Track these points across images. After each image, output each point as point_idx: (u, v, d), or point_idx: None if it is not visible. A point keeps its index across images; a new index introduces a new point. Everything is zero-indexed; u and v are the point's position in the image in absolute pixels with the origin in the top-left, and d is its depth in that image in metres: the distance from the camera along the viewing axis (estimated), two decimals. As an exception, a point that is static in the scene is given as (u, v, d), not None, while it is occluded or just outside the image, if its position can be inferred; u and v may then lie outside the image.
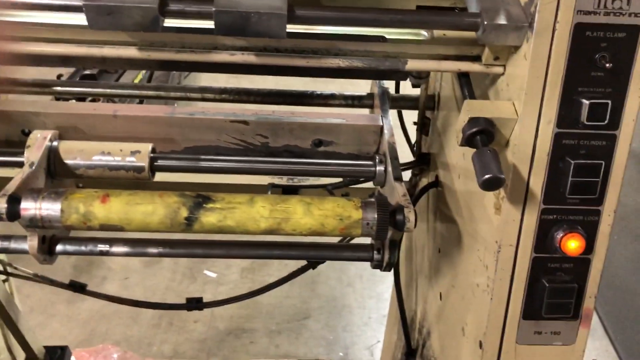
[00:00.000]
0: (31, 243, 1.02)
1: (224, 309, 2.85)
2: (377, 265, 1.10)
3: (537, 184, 0.93)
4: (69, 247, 1.08)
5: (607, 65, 0.85)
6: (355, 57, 0.94)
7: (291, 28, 0.93)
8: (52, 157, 1.10)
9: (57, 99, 3.19)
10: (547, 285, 0.97)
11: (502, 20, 0.86)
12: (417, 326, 1.55)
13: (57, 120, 1.19)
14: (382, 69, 0.95)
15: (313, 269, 1.56)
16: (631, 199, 3.81)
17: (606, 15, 0.84)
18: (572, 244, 0.93)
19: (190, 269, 3.11)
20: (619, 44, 0.85)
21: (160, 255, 1.11)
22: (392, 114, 1.51)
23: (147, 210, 0.98)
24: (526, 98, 0.88)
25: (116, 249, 1.09)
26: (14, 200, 0.96)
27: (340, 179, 1.41)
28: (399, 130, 1.56)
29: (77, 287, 1.45)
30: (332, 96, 1.37)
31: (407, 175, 1.59)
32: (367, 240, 1.10)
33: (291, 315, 2.87)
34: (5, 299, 1.54)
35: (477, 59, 0.96)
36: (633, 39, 0.85)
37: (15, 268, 1.51)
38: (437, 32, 0.97)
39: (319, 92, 1.37)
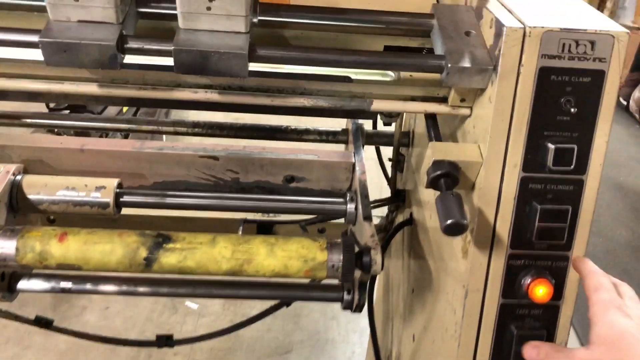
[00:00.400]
0: None
1: (204, 342, 2.79)
2: (348, 306, 1.08)
3: (504, 228, 0.91)
4: (31, 284, 1.06)
5: (573, 109, 0.84)
6: (321, 96, 0.93)
7: (256, 66, 0.92)
8: (14, 191, 1.08)
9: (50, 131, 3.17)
10: (516, 331, 0.94)
11: (466, 63, 0.85)
12: (392, 367, 1.52)
13: (22, 153, 1.17)
14: (348, 109, 0.93)
15: (287, 306, 1.54)
16: (618, 233, 3.79)
17: (571, 60, 0.83)
18: (540, 291, 0.91)
19: (171, 299, 3.06)
20: (584, 88, 0.85)
21: (122, 293, 1.08)
22: (370, 149, 1.51)
23: (105, 250, 0.95)
24: (491, 141, 0.87)
25: (79, 286, 1.07)
26: None
27: (314, 216, 1.39)
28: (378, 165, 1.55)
29: (43, 323, 1.41)
30: (307, 131, 1.36)
31: (384, 210, 1.57)
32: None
33: (273, 349, 2.81)
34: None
35: (443, 100, 0.95)
36: (598, 84, 0.84)
37: (-20, 302, 1.46)
38: (404, 73, 0.96)
39: (293, 127, 1.36)
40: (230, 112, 1.17)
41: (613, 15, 6.24)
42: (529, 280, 0.91)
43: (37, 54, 0.87)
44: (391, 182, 1.45)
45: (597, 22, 0.85)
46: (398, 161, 1.40)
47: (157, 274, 1.00)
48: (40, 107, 3.30)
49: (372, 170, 1.51)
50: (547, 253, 0.92)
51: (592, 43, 0.83)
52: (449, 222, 0.82)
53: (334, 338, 2.92)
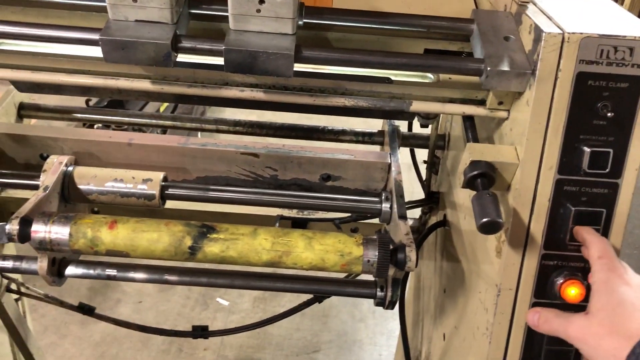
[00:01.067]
0: (41, 264, 1.05)
1: (233, 338, 2.86)
2: (380, 302, 1.10)
3: (538, 229, 0.93)
4: (78, 270, 1.11)
5: (609, 114, 0.86)
6: (361, 97, 0.97)
7: (300, 67, 0.96)
8: (66, 181, 1.14)
9: (84, 125, 3.27)
10: (547, 332, 0.96)
11: (505, 67, 0.88)
12: (421, 366, 1.54)
13: (74, 146, 1.23)
14: (387, 109, 0.97)
15: (319, 302, 1.57)
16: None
17: (609, 66, 0.85)
18: (572, 291, 0.92)
19: (203, 295, 3.12)
20: (621, 93, 0.86)
21: (165, 282, 1.12)
22: (405, 151, 1.53)
23: (153, 238, 1.00)
24: (527, 143, 0.89)
25: (123, 274, 1.12)
26: (25, 223, 0.99)
27: (348, 214, 1.43)
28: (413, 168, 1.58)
29: (86, 310, 1.47)
30: (344, 132, 1.39)
31: (418, 212, 1.59)
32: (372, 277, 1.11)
33: (300, 348, 2.85)
34: (17, 318, 1.56)
35: (481, 102, 0.97)
36: (635, 90, 0.86)
37: (28, 288, 1.54)
38: (443, 76, 0.99)
39: (330, 128, 1.39)
40: (266, 112, 1.21)
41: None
42: (561, 280, 0.93)
43: (94, 51, 0.93)
44: (425, 184, 1.47)
45: (636, 28, 0.87)
46: (433, 163, 1.42)
47: (201, 262, 1.04)
48: (77, 103, 3.41)
49: (404, 173, 1.54)
50: (580, 255, 0.93)
51: (631, 49, 0.84)
52: (484, 220, 0.84)
53: (361, 340, 2.94)
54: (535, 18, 0.89)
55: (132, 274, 1.11)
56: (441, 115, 1.35)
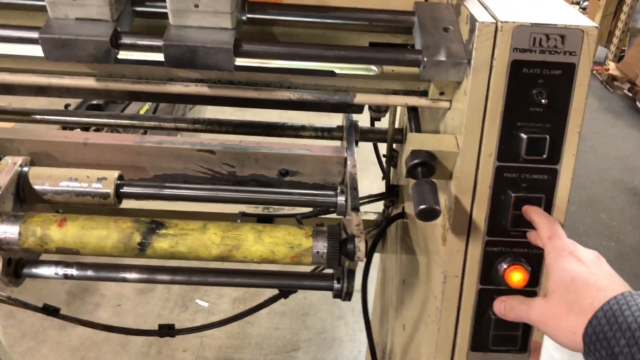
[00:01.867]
0: None
1: (212, 339, 2.86)
2: (337, 294, 1.11)
3: (480, 216, 0.94)
4: (35, 270, 1.11)
5: (544, 101, 0.88)
6: (306, 90, 0.98)
7: (244, 62, 0.97)
8: (21, 182, 1.14)
9: (65, 129, 3.27)
10: (493, 317, 0.97)
11: (442, 57, 0.89)
12: (387, 359, 1.55)
13: (30, 146, 1.23)
14: (332, 102, 0.98)
15: (285, 298, 1.58)
16: (631, 237, 3.77)
17: (542, 53, 0.87)
18: (516, 276, 0.94)
19: (182, 297, 3.12)
20: (555, 80, 0.88)
21: (122, 280, 1.12)
22: (368, 146, 1.55)
23: (102, 235, 1.00)
24: (466, 132, 0.90)
25: (81, 272, 1.12)
26: None
27: (310, 209, 1.44)
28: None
29: (50, 311, 1.47)
30: (303, 128, 1.40)
31: (381, 206, 1.61)
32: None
33: (280, 347, 2.85)
34: (-18, 322, 1.56)
35: (424, 94, 0.99)
36: (569, 76, 0.88)
37: (-9, 290, 1.54)
38: (386, 68, 1.00)
39: (290, 124, 1.40)
40: (234, 109, 1.21)
41: (630, 18, 6.20)
42: (505, 266, 0.95)
43: (38, 50, 0.93)
44: (385, 177, 1.48)
45: (568, 17, 0.88)
46: (392, 157, 1.43)
47: (151, 259, 1.05)
48: (57, 106, 3.40)
49: (373, 168, 1.56)
50: (523, 241, 0.95)
51: (562, 37, 0.86)
52: (422, 207, 0.86)
53: (341, 337, 2.95)
54: (472, 8, 0.91)
55: (90, 273, 1.12)
56: (398, 109, 1.37)
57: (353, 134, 1.31)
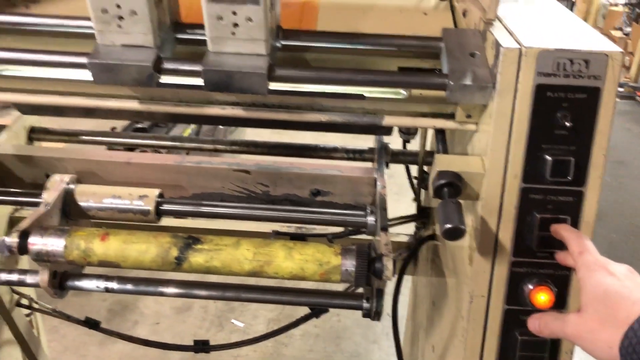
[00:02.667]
0: (42, 277, 1.11)
1: (247, 359, 2.88)
2: (366, 313, 1.13)
3: (506, 236, 0.96)
4: (78, 283, 1.17)
5: (568, 124, 0.89)
6: (336, 112, 1.02)
7: (278, 86, 1.02)
8: (67, 198, 1.21)
9: (110, 150, 3.41)
10: (519, 338, 0.98)
11: (467, 81, 0.92)
12: (417, 380, 1.55)
13: (76, 165, 1.31)
14: (361, 124, 1.02)
15: (317, 317, 1.60)
16: None
17: (566, 78, 0.89)
18: (542, 297, 0.95)
19: (218, 317, 3.17)
20: (580, 104, 0.90)
21: (160, 294, 1.16)
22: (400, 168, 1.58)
23: (141, 249, 1.06)
24: (492, 153, 0.93)
25: (121, 286, 1.17)
26: (24, 236, 1.06)
27: (341, 229, 1.47)
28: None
29: (91, 324, 1.53)
30: (335, 149, 1.44)
31: (412, 228, 1.63)
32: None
33: (314, 369, 2.86)
34: (27, 333, 1.63)
35: (451, 116, 1.01)
36: (594, 100, 0.89)
37: (37, 303, 1.61)
38: (415, 91, 1.04)
39: (322, 146, 1.44)
40: (272, 132, 1.26)
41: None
42: (531, 287, 0.96)
43: (87, 74, 1.00)
44: (416, 199, 1.50)
45: (593, 42, 0.90)
46: (422, 179, 1.45)
47: (187, 272, 1.09)
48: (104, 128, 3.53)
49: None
50: (549, 262, 0.96)
51: (587, 62, 0.88)
52: (447, 226, 0.88)
53: (374, 361, 2.94)
54: (497, 34, 0.94)
55: (129, 286, 1.17)
56: (429, 131, 1.39)
57: (384, 156, 1.34)
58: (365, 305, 1.13)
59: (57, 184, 1.21)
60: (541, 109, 0.90)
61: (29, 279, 1.17)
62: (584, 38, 0.93)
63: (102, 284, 1.17)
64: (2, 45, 1.05)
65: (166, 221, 1.26)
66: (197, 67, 0.94)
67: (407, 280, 1.54)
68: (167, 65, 0.96)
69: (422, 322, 1.52)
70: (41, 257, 1.07)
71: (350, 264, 1.03)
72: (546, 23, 1.01)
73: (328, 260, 1.04)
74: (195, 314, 3.20)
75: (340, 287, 1.25)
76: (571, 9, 8.00)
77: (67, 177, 1.22)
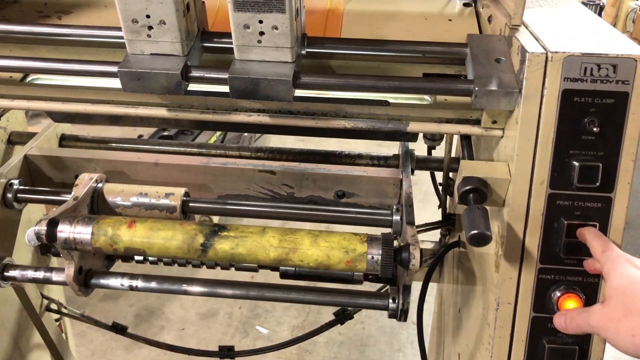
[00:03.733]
0: (68, 272, 1.13)
1: (271, 366, 2.89)
2: (393, 314, 1.11)
3: (533, 243, 0.95)
4: (103, 281, 1.18)
5: (596, 129, 0.88)
6: (360, 119, 1.02)
7: (303, 93, 1.03)
8: (95, 196, 1.22)
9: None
10: (547, 345, 0.97)
11: (493, 87, 0.92)
12: (443, 389, 1.54)
13: (105, 166, 1.33)
14: (386, 130, 1.02)
15: (341, 324, 1.60)
16: None
17: (593, 83, 0.88)
18: (570, 305, 0.93)
19: (243, 324, 3.19)
20: (608, 109, 0.89)
21: (184, 292, 1.18)
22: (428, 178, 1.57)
23: (167, 236, 1.06)
24: (518, 159, 0.92)
25: (145, 284, 1.18)
26: (52, 224, 1.07)
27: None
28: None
29: (119, 329, 1.55)
30: (359, 156, 1.44)
31: (438, 236, 1.62)
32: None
33: (338, 377, 2.86)
34: (57, 337, 1.67)
35: (477, 122, 1.01)
36: (622, 105, 0.88)
37: (66, 308, 1.64)
38: (439, 97, 1.04)
39: (347, 152, 1.45)
40: (296, 139, 1.27)
41: None
42: (559, 294, 0.94)
43: (116, 83, 1.02)
44: (442, 206, 1.50)
45: (620, 46, 0.89)
46: (448, 185, 1.45)
47: (212, 261, 1.07)
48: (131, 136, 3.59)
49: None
50: (577, 269, 0.94)
51: (614, 66, 0.87)
52: (473, 232, 0.88)
53: (399, 369, 2.92)
54: (523, 40, 0.93)
55: (153, 284, 1.18)
56: (454, 137, 1.39)
57: (409, 160, 1.34)
58: (392, 305, 1.11)
59: (86, 181, 1.21)
60: (568, 115, 0.89)
61: (54, 276, 1.18)
62: (611, 42, 0.92)
63: (127, 282, 1.18)
64: (36, 55, 1.09)
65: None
66: (223, 75, 0.95)
67: (432, 287, 1.54)
68: (195, 73, 0.97)
69: (448, 329, 1.51)
70: (69, 245, 1.08)
71: (376, 252, 1.02)
72: (572, 27, 1.00)
73: (354, 247, 1.03)
74: (221, 320, 3.22)
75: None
76: (600, 13, 7.90)
77: (95, 176, 1.23)
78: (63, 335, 1.81)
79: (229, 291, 1.15)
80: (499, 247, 0.98)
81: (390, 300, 1.11)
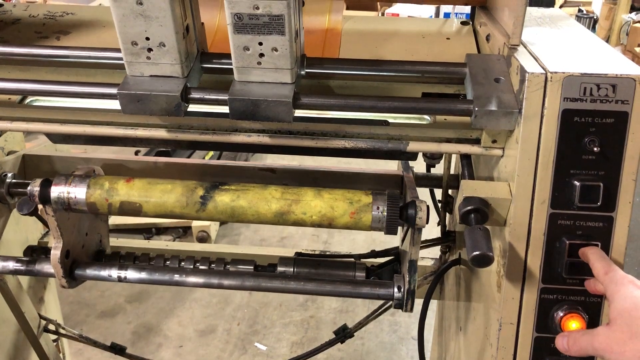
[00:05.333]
0: (54, 253, 1.08)
1: (270, 383, 2.86)
2: (399, 303, 1.08)
3: (535, 263, 0.94)
4: (89, 271, 1.15)
5: (596, 149, 0.88)
6: (360, 139, 1.02)
7: (302, 113, 1.03)
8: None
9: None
10: (550, 366, 0.96)
11: (492, 107, 0.92)
12: (444, 407, 1.53)
13: (103, 165, 1.31)
14: (385, 149, 1.02)
15: (341, 342, 1.59)
16: None
17: (593, 102, 0.88)
18: (573, 325, 0.93)
19: (242, 340, 3.16)
20: (608, 129, 0.89)
21: (175, 283, 1.14)
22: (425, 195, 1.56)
23: (166, 189, 1.03)
24: (518, 179, 0.92)
25: (134, 274, 1.14)
26: (46, 184, 1.05)
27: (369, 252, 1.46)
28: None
29: (117, 350, 1.54)
30: (357, 175, 1.44)
31: (437, 253, 1.62)
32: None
33: (338, 393, 2.83)
34: (55, 358, 1.65)
35: (477, 141, 1.01)
36: (622, 125, 0.88)
37: (64, 328, 1.62)
38: (439, 117, 1.04)
39: (345, 171, 1.44)
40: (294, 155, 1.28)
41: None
42: (562, 314, 0.94)
43: (115, 104, 1.02)
44: (441, 223, 1.49)
45: (619, 66, 0.90)
46: (447, 203, 1.45)
47: (211, 217, 1.02)
48: (127, 153, 3.59)
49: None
50: (579, 288, 0.94)
51: (614, 86, 0.87)
52: (475, 253, 0.87)
53: (399, 386, 2.90)
54: (522, 60, 0.94)
55: (143, 275, 1.14)
56: (453, 155, 1.39)
57: (408, 163, 1.33)
58: (397, 294, 1.08)
59: (84, 169, 1.16)
60: (568, 135, 0.89)
61: (38, 266, 1.15)
62: (610, 62, 0.92)
63: (115, 273, 1.14)
64: (35, 77, 1.08)
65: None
66: (223, 96, 0.95)
67: (432, 303, 1.53)
68: (195, 94, 0.97)
69: (449, 347, 1.50)
70: (62, 203, 1.04)
71: (382, 203, 1.00)
72: (571, 47, 1.01)
73: (359, 199, 1.01)
74: (219, 336, 3.19)
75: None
76: (593, 27, 7.96)
77: (93, 167, 1.18)
78: (61, 355, 1.79)
79: (224, 281, 1.12)
80: (501, 267, 0.97)
81: (396, 289, 1.08)
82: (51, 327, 1.60)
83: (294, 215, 1.00)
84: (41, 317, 1.58)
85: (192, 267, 1.21)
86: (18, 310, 1.50)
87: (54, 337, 1.66)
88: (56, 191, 1.04)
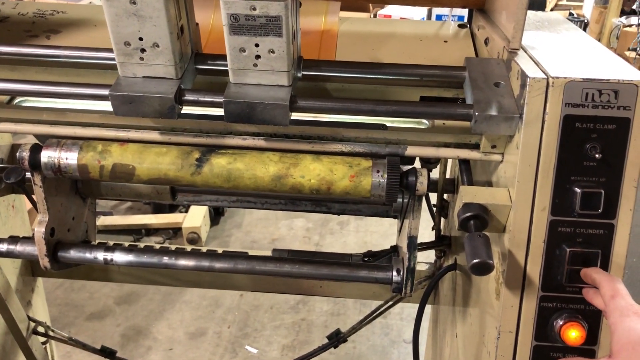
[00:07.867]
0: (39, 229, 1.05)
1: (261, 387, 2.84)
2: (397, 287, 1.05)
3: (535, 270, 0.93)
4: (74, 253, 1.11)
5: (598, 155, 0.87)
6: (358, 142, 1.00)
7: (299, 116, 1.01)
8: None
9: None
10: (549, 375, 0.95)
11: (493, 112, 0.91)
12: (439, 414, 1.51)
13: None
14: (383, 154, 1.00)
15: (334, 347, 1.57)
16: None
17: (595, 108, 0.87)
18: (573, 334, 0.91)
19: (232, 343, 3.13)
20: (610, 135, 0.87)
21: (164, 266, 1.11)
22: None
23: (161, 151, 1.00)
24: (519, 185, 0.90)
25: (121, 256, 1.11)
26: (36, 149, 1.01)
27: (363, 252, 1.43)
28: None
29: (107, 353, 1.51)
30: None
31: (432, 257, 1.60)
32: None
33: (329, 398, 2.81)
34: (43, 362, 1.62)
35: (475, 146, 0.99)
36: (623, 131, 0.87)
37: (53, 331, 1.59)
38: (438, 121, 1.02)
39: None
40: None
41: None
42: (561, 323, 0.93)
43: (107, 105, 1.00)
44: (435, 227, 1.48)
45: (621, 71, 0.88)
46: (442, 207, 1.43)
47: (206, 182, 0.98)
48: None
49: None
50: (579, 297, 0.93)
51: (616, 92, 0.86)
52: (475, 261, 0.85)
53: (392, 392, 2.88)
54: (523, 64, 0.92)
55: (131, 257, 1.11)
56: (449, 160, 1.38)
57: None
58: (396, 277, 1.05)
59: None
60: (569, 140, 0.88)
61: (19, 247, 1.11)
62: (612, 68, 0.91)
63: (101, 255, 1.10)
64: (24, 76, 1.06)
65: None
66: (218, 99, 0.93)
67: (426, 307, 1.51)
68: (189, 96, 0.95)
69: (443, 352, 1.48)
70: (51, 166, 1.00)
71: (382, 167, 0.97)
72: (572, 52, 0.99)
73: (359, 162, 0.98)
74: (209, 339, 3.16)
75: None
76: (584, 30, 8.00)
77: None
78: (49, 358, 1.76)
79: (215, 264, 1.08)
80: (500, 274, 0.96)
81: (394, 272, 1.05)
82: (40, 329, 1.57)
83: (292, 179, 0.97)
84: (30, 319, 1.55)
85: (181, 251, 1.16)
86: (6, 312, 1.47)
87: (42, 339, 1.63)
88: (46, 155, 1.00)
